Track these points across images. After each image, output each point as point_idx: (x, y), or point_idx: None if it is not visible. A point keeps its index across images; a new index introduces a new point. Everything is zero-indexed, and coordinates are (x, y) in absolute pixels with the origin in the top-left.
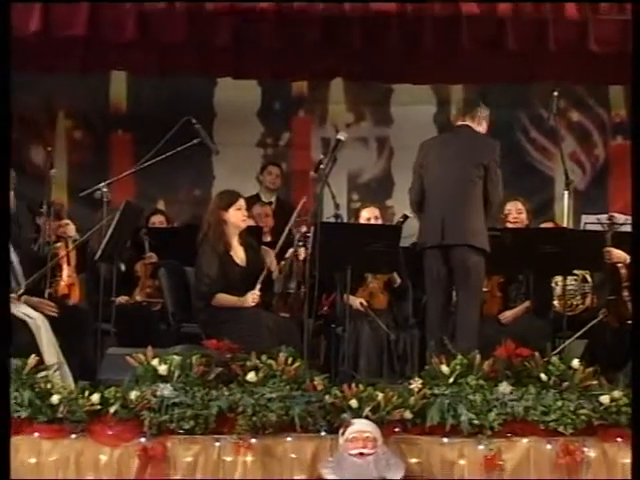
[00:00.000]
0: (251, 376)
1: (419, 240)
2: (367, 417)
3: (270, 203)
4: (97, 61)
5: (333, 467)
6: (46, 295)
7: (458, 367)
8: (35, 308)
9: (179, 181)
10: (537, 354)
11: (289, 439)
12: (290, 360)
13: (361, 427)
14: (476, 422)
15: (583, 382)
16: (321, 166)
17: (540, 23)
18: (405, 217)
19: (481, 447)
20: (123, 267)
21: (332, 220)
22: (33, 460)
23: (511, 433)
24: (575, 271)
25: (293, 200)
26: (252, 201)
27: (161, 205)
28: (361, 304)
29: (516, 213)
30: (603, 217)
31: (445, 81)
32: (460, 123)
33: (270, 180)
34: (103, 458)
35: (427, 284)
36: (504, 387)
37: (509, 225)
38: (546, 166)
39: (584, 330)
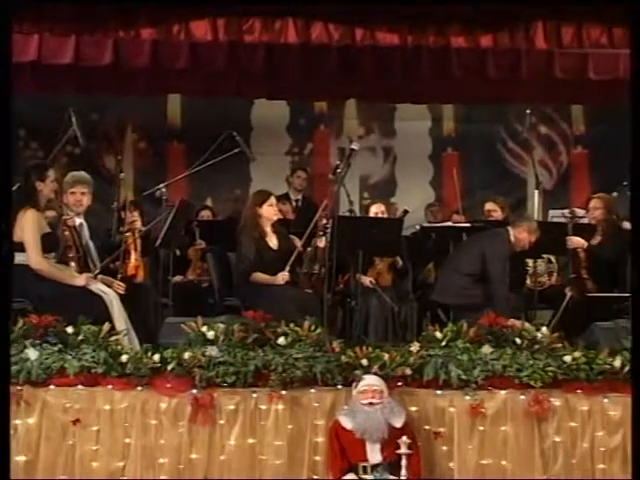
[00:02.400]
0: (281, 340)
1: None
2: (375, 373)
3: (297, 201)
4: (157, 86)
5: (348, 414)
6: (118, 276)
7: (449, 333)
8: (109, 285)
9: (223, 183)
10: (513, 321)
11: (312, 391)
12: (313, 327)
13: (370, 381)
14: (463, 377)
15: (550, 345)
16: (338, 170)
17: (515, 54)
18: (405, 212)
19: (467, 397)
20: (178, 252)
21: (347, 214)
22: (107, 407)
23: (492, 386)
24: (543, 255)
25: (315, 198)
26: (282, 199)
27: (209, 202)
28: (370, 282)
29: (493, 211)
30: (566, 211)
31: (438, 101)
32: None
33: (298, 182)
34: (163, 406)
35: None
36: (486, 349)
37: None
38: (520, 170)
39: (563, 306)
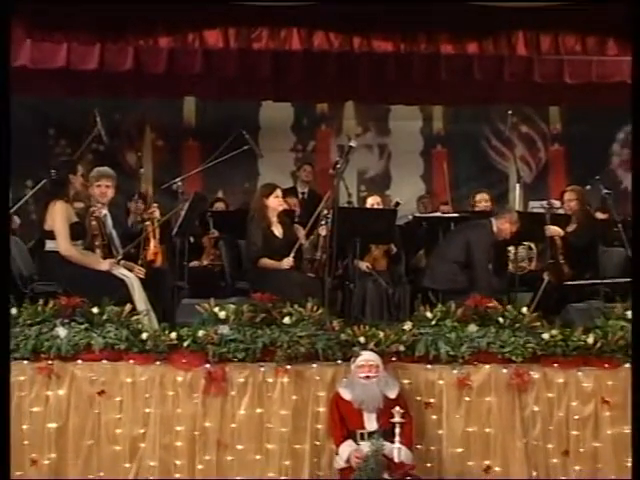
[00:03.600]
0: (286, 320)
1: None
2: (371, 349)
3: (303, 193)
4: (173, 89)
5: (347, 386)
6: (139, 261)
7: (438, 313)
8: (130, 270)
9: (233, 177)
10: (496, 303)
11: (314, 366)
12: (315, 308)
13: (367, 357)
14: (451, 353)
15: (530, 324)
16: (337, 166)
17: (498, 60)
18: (397, 203)
19: (455, 371)
20: (193, 240)
21: (346, 205)
22: (129, 380)
23: (477, 361)
24: (523, 242)
25: (319, 191)
26: (290, 193)
27: (220, 194)
28: (367, 267)
29: (484, 202)
30: (544, 203)
31: (429, 103)
32: None
33: (305, 175)
34: (179, 379)
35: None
36: (472, 327)
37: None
38: (503, 165)
39: (541, 289)
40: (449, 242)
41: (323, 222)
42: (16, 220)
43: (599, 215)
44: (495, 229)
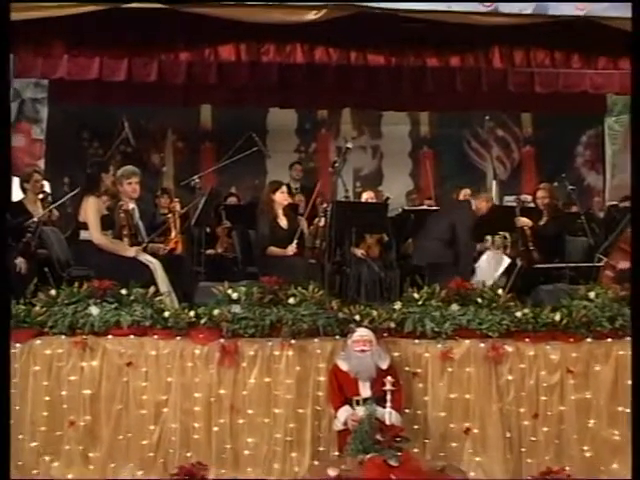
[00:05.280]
0: (291, 300)
1: None
2: (366, 326)
3: (296, 189)
4: (192, 97)
5: (344, 358)
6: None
7: (425, 294)
8: (156, 253)
9: (244, 175)
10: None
11: (316, 340)
12: (316, 290)
13: (362, 333)
14: (436, 329)
15: (505, 303)
16: (336, 165)
17: (477, 72)
18: (387, 198)
19: (439, 345)
20: (209, 230)
21: (343, 199)
22: (153, 353)
23: (458, 336)
24: (499, 232)
25: (308, 185)
26: (291, 188)
27: (233, 190)
28: (362, 254)
29: (467, 195)
30: (517, 197)
31: (416, 109)
32: None
33: (296, 174)
34: (197, 352)
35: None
36: (454, 307)
37: None
38: (482, 165)
39: (514, 273)
40: (435, 222)
41: (322, 214)
42: (55, 213)
43: (565, 209)
44: (474, 207)
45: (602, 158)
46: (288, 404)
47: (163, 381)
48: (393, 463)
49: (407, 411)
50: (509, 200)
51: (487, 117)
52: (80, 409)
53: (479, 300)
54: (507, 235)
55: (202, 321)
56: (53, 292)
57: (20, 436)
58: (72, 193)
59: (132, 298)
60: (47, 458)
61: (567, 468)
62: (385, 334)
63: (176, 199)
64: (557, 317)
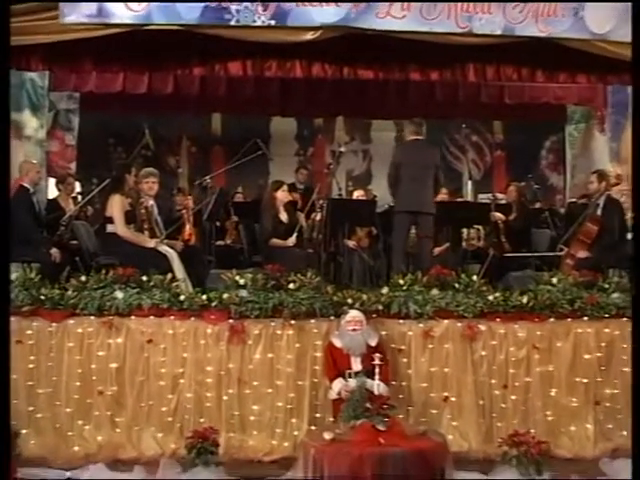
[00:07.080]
0: (291, 285)
1: (396, 206)
2: (357, 308)
3: (300, 189)
4: (204, 107)
5: (338, 336)
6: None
7: (409, 280)
8: (172, 246)
9: (250, 175)
10: (453, 272)
11: (313, 321)
12: (313, 276)
13: (354, 314)
14: (419, 311)
15: (479, 288)
16: (330, 166)
17: (454, 85)
18: (375, 196)
19: (421, 325)
20: (219, 224)
21: (337, 197)
22: (171, 331)
23: (438, 317)
24: (474, 225)
25: (312, 186)
26: (293, 187)
27: (240, 189)
28: (353, 245)
29: (443, 194)
30: (490, 195)
31: (401, 118)
32: (413, 138)
33: (301, 177)
34: (209, 331)
35: (396, 233)
36: (434, 291)
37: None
38: (458, 167)
39: (487, 261)
40: None
41: (319, 210)
42: (89, 209)
43: (532, 205)
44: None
45: (563, 161)
46: (289, 377)
47: (179, 356)
48: (381, 428)
49: (393, 383)
50: (483, 197)
51: (464, 125)
52: (107, 380)
53: (456, 285)
54: (480, 228)
55: (213, 304)
56: (83, 278)
57: (57, 402)
58: (99, 187)
59: (152, 284)
60: (80, 422)
61: (532, 431)
62: (374, 315)
63: (190, 197)
64: (524, 300)
